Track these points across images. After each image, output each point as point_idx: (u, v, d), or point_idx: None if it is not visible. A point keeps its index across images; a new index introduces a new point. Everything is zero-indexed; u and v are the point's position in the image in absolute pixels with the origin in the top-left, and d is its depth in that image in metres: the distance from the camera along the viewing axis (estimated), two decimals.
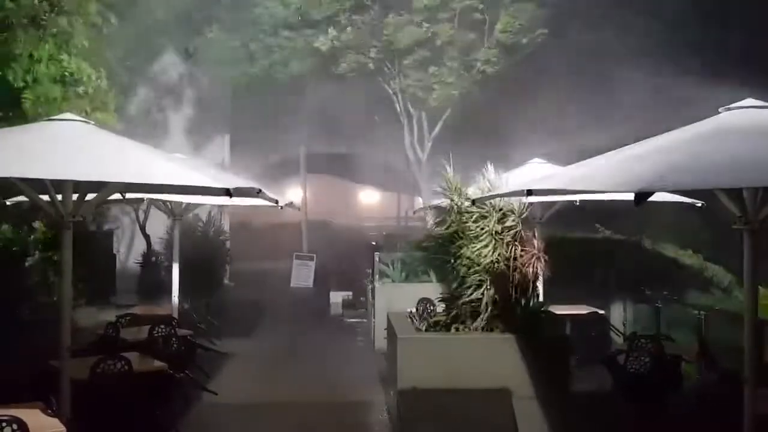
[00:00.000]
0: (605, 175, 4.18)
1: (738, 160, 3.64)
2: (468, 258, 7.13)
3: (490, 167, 7.31)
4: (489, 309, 7.06)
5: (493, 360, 6.84)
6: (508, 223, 7.07)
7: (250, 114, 17.29)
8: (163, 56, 15.92)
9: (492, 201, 7.07)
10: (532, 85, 14.96)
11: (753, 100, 4.26)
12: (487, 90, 15.22)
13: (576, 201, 8.69)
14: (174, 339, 8.06)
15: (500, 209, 7.13)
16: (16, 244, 9.18)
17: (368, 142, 19.38)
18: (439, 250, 7.78)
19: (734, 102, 4.30)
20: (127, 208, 14.04)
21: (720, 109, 4.33)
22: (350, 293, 15.92)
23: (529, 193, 4.83)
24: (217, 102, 16.85)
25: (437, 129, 16.05)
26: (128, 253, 15.19)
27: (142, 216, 14.00)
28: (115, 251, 14.77)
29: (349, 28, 14.92)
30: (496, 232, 7.04)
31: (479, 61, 14.97)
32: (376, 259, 12.15)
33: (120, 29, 11.96)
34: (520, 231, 7.09)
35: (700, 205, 8.41)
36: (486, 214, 7.13)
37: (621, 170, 4.01)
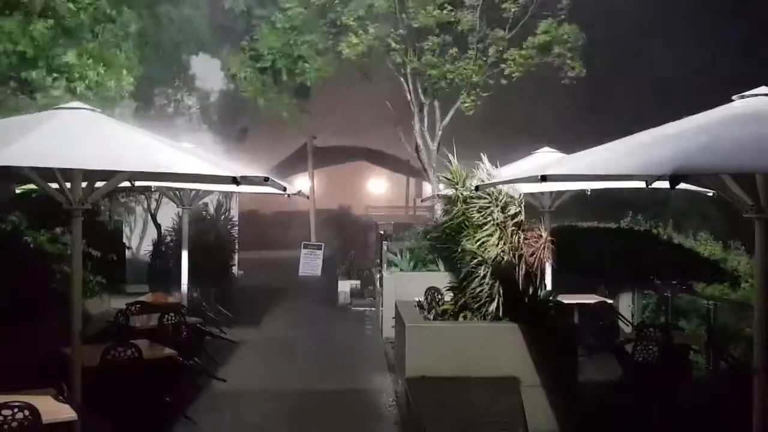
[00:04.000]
0: (630, 159, 4.07)
1: (764, 147, 3.61)
2: (474, 247, 7.12)
3: (485, 158, 7.26)
4: (497, 298, 7.05)
5: (501, 349, 6.84)
6: (511, 212, 7.04)
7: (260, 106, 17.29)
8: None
9: (493, 190, 7.03)
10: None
11: (767, 88, 4.22)
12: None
13: (587, 190, 8.63)
14: (183, 327, 8.11)
15: (502, 199, 7.09)
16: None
17: (378, 130, 19.34)
18: (447, 240, 7.78)
19: None
20: (140, 197, 14.10)
21: (734, 97, 4.29)
22: (358, 282, 15.94)
23: (543, 178, 4.61)
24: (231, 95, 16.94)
25: (448, 117, 15.96)
26: (140, 242, 15.25)
27: (154, 205, 14.05)
28: (125, 240, 14.84)
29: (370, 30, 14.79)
30: (499, 221, 7.01)
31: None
32: (384, 248, 12.15)
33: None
34: (522, 219, 7.06)
35: (711, 194, 8.33)
36: (488, 204, 7.10)
37: (645, 155, 3.92)
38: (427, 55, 14.97)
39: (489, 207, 7.07)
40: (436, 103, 16.04)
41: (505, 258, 6.97)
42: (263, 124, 18.75)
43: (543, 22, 14.57)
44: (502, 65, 14.83)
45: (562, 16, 14.68)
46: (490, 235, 6.98)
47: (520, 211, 7.05)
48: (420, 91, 15.88)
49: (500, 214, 7.02)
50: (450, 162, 7.66)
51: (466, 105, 15.07)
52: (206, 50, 15.61)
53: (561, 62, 14.68)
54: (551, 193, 9.14)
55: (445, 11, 14.63)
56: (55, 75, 8.91)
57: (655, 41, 14.90)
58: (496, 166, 7.37)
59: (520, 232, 6.99)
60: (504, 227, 6.99)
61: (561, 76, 14.84)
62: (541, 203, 9.24)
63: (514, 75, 14.76)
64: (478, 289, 7.08)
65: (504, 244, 6.96)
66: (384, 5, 14.60)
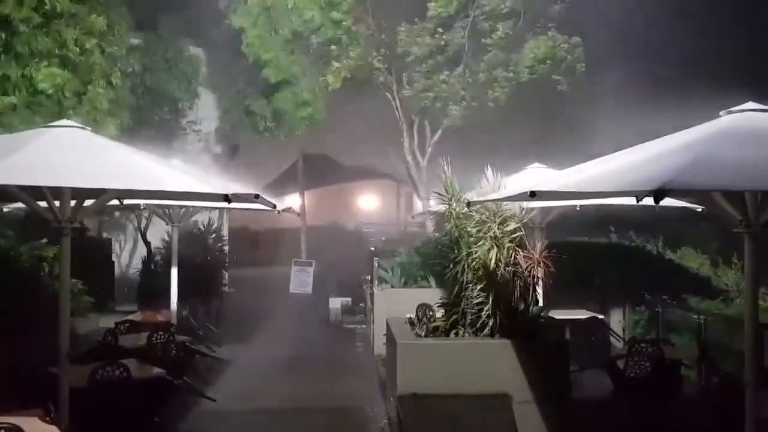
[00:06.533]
0: (618, 176, 4.12)
1: (751, 163, 3.64)
2: (468, 263, 7.11)
3: (489, 170, 7.27)
4: (489, 314, 7.03)
5: (493, 365, 6.81)
6: (509, 228, 7.04)
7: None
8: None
9: (492, 206, 7.04)
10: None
11: (754, 103, 4.26)
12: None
13: (576, 206, 8.67)
14: (172, 346, 8.04)
15: (501, 214, 7.10)
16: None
17: (369, 148, 19.42)
18: (438, 255, 7.77)
19: None
20: (130, 215, 14.06)
21: (721, 113, 4.33)
22: (349, 299, 15.88)
23: (533, 195, 4.71)
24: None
25: (438, 134, 16.05)
26: (130, 260, 15.16)
27: (144, 223, 13.98)
28: (115, 258, 14.74)
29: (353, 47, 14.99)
30: (497, 236, 7.01)
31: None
32: (375, 264, 12.13)
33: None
34: (521, 236, 7.07)
35: (700, 209, 8.39)
36: (486, 219, 7.10)
37: (634, 170, 3.96)
38: (418, 78, 15.20)
39: (487, 222, 7.07)
40: (425, 120, 16.14)
41: (499, 273, 6.97)
42: (254, 144, 18.77)
43: (538, 38, 14.75)
44: (491, 89, 15.02)
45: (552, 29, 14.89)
46: (487, 250, 6.97)
47: (519, 227, 7.05)
48: (409, 108, 15.99)
49: (497, 229, 7.02)
50: (443, 177, 7.66)
51: (455, 114, 15.16)
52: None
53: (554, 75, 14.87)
54: (540, 209, 9.17)
55: (436, 36, 14.84)
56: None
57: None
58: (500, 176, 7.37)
59: (517, 248, 6.98)
60: (501, 243, 6.98)
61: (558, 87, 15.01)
62: (531, 219, 9.25)
63: (500, 98, 14.98)
64: (474, 303, 7.06)
65: (499, 260, 6.95)
66: (362, 30, 14.77)
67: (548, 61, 14.68)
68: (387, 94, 16.05)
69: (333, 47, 15.03)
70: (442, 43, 14.95)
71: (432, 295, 8.71)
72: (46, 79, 8.64)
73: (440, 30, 14.95)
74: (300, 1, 14.33)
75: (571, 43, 14.82)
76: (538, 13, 15.05)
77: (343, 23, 14.70)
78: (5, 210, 8.15)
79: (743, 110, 4.25)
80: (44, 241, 9.10)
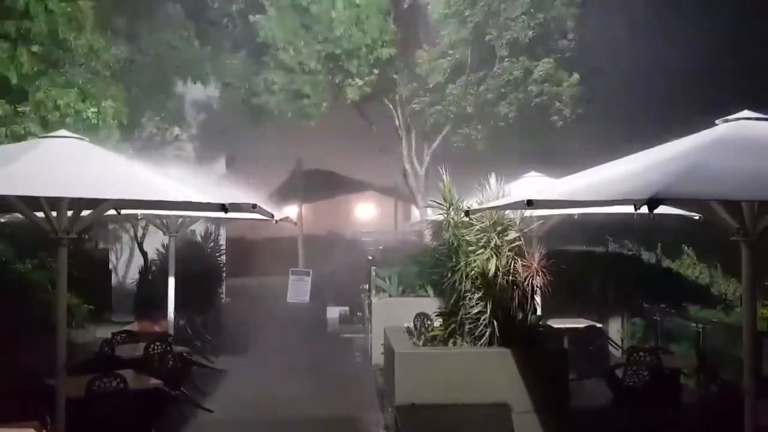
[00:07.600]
0: (613, 184, 4.13)
1: (746, 172, 3.65)
2: (466, 272, 7.10)
3: (492, 178, 7.27)
4: (487, 323, 7.02)
5: (491, 374, 6.79)
6: (509, 237, 7.04)
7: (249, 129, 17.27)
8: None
9: (491, 214, 7.04)
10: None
11: (749, 112, 4.28)
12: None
13: (575, 215, 8.68)
14: (170, 356, 8.02)
15: (501, 223, 7.10)
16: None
17: (365, 156, 19.40)
18: (436, 264, 7.76)
19: None
20: (126, 225, 14.02)
21: (717, 121, 4.34)
22: (347, 308, 15.84)
23: (530, 203, 4.72)
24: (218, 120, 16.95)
25: (436, 142, 16.07)
26: (127, 270, 15.12)
27: (140, 233, 13.96)
28: (111, 268, 14.72)
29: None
30: (496, 245, 7.01)
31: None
32: (373, 273, 12.11)
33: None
34: (520, 245, 7.07)
35: (698, 217, 8.39)
36: (486, 228, 7.10)
37: (629, 179, 3.97)
38: (423, 91, 15.33)
39: (486, 231, 7.06)
40: (424, 129, 16.16)
41: (499, 282, 6.96)
42: (251, 155, 18.77)
43: (543, 62, 14.85)
44: (501, 104, 15.09)
45: (563, 55, 15.00)
46: (486, 259, 6.97)
47: (518, 236, 7.05)
48: (408, 117, 16.01)
49: (497, 238, 7.01)
50: (441, 186, 7.66)
51: (473, 138, 15.37)
52: (194, 76, 15.49)
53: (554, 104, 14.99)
54: (537, 218, 9.17)
55: (448, 58, 14.98)
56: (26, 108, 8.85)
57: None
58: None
59: (516, 257, 6.98)
60: (500, 252, 6.98)
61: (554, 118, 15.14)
62: (530, 228, 9.26)
63: (510, 116, 15.06)
64: (473, 311, 7.05)
65: (497, 268, 6.95)
66: (385, 52, 14.65)
67: (553, 79, 14.79)
68: (388, 103, 16.07)
69: (353, 66, 14.88)
70: (452, 61, 15.08)
71: (430, 304, 8.69)
72: None
73: (450, 51, 15.08)
74: (342, 17, 14.15)
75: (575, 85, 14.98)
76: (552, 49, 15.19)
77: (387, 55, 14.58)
78: (2, 220, 8.14)
79: (739, 118, 4.26)
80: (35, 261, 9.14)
